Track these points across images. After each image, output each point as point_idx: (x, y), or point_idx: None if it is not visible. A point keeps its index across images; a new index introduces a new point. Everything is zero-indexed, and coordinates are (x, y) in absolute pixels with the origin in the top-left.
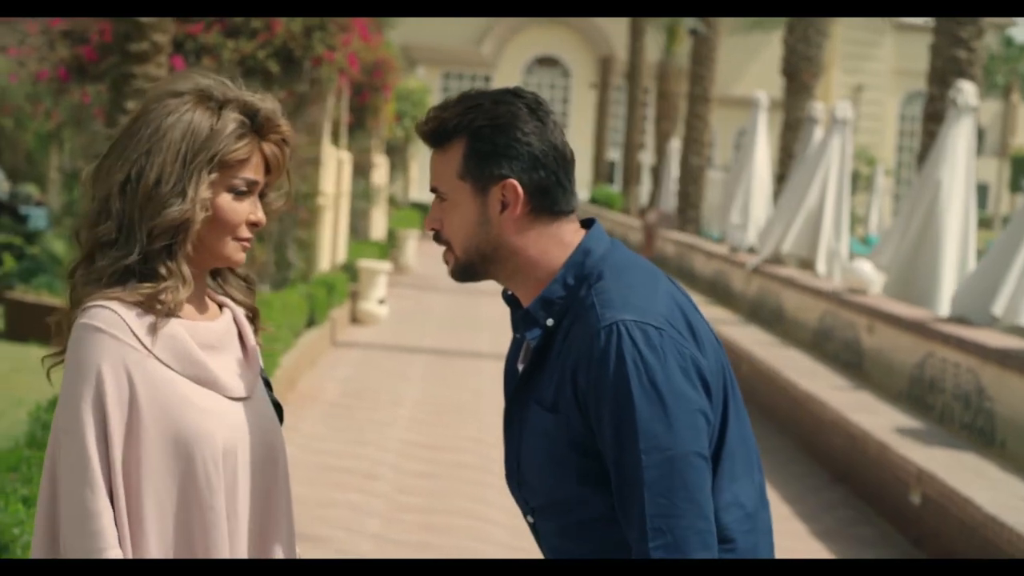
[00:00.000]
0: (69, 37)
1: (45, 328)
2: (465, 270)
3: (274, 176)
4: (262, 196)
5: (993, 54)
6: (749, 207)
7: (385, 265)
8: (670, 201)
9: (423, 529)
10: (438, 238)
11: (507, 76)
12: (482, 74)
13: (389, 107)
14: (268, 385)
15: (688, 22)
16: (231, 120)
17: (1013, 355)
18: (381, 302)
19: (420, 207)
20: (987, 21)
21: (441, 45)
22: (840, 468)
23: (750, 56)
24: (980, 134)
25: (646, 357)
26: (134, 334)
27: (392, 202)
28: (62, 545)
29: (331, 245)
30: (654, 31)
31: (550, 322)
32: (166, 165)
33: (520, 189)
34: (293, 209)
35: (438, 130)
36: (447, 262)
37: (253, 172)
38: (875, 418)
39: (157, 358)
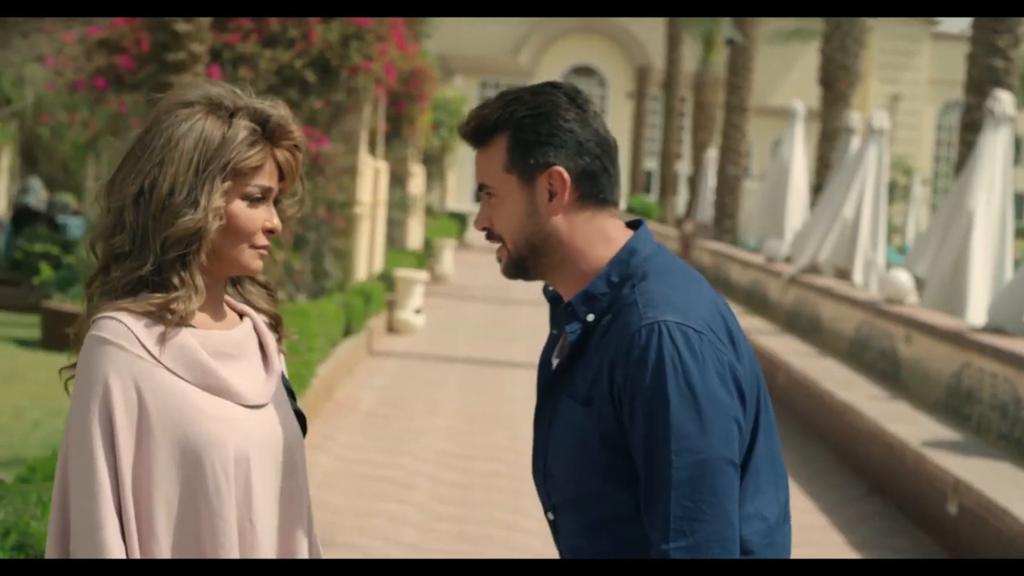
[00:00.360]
0: (106, 47)
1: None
2: (517, 264)
3: (288, 183)
4: (276, 203)
5: None
6: (785, 217)
7: (421, 275)
8: (707, 211)
9: (458, 539)
10: (490, 235)
11: None
12: (519, 83)
13: (426, 116)
14: (292, 394)
15: (725, 31)
16: (242, 128)
17: None
18: (417, 312)
19: (457, 216)
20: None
21: (478, 54)
22: (877, 478)
23: (787, 66)
24: (1017, 144)
25: (685, 359)
26: (142, 344)
27: (429, 211)
28: (71, 554)
29: (368, 254)
30: (691, 41)
31: (591, 317)
32: (179, 175)
33: (566, 175)
34: (330, 218)
35: (480, 127)
36: (500, 259)
37: (267, 179)
38: (912, 428)
39: (166, 367)
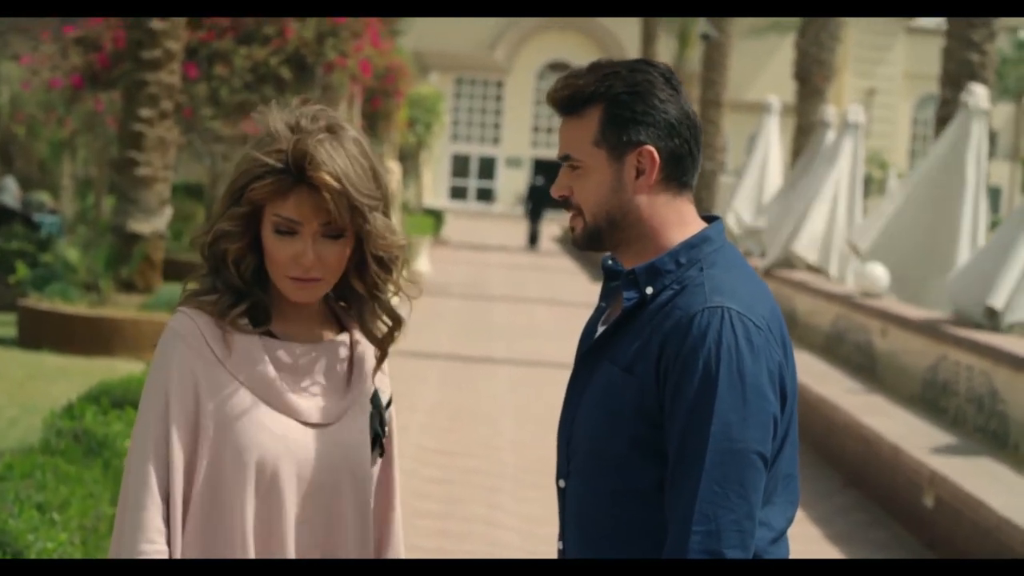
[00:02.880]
0: (82, 45)
1: (58, 335)
2: (592, 236)
3: (333, 220)
4: (336, 237)
5: (1005, 57)
6: (761, 211)
7: None
8: (683, 209)
9: (438, 535)
10: (567, 204)
11: (519, 81)
12: (495, 79)
13: (401, 113)
14: (382, 421)
15: (700, 27)
16: (262, 159)
17: None
18: None
19: (433, 213)
20: (999, 24)
21: (453, 51)
22: (853, 472)
23: (762, 60)
24: (992, 137)
25: (742, 348)
26: (207, 343)
27: (405, 208)
28: (115, 530)
29: None
30: (666, 36)
31: (649, 290)
32: (223, 198)
33: (656, 156)
34: None
35: (574, 96)
36: (573, 229)
37: (292, 211)
38: (888, 421)
39: (227, 369)
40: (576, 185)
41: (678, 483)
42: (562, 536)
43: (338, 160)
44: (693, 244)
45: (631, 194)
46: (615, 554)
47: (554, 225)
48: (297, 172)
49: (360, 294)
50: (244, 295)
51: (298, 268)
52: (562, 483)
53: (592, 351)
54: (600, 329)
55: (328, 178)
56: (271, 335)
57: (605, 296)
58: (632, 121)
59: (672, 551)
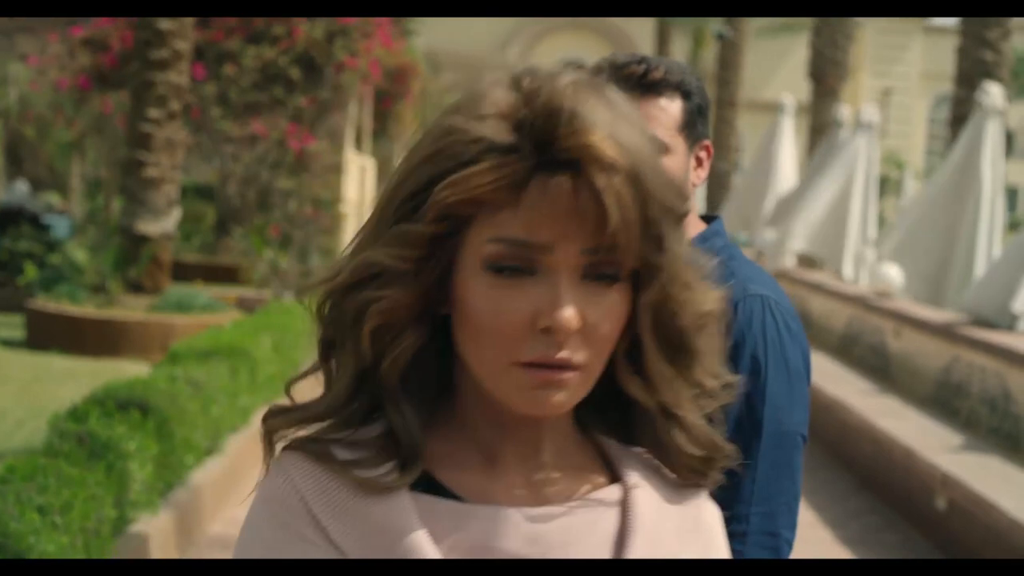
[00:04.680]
0: (90, 45)
1: (66, 337)
2: None
3: (608, 243)
4: (609, 280)
5: (1021, 56)
6: (775, 210)
7: None
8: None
9: None
10: None
11: None
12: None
13: (413, 112)
14: None
15: (714, 26)
16: (475, 127)
17: None
18: None
19: None
20: (1014, 23)
21: (466, 51)
22: (866, 474)
23: (777, 60)
24: (1010, 137)
25: (783, 334)
26: (315, 519)
27: None
28: None
29: None
30: (680, 35)
31: None
32: (372, 217)
33: (711, 150)
34: (316, 216)
35: (660, 80)
36: None
37: (532, 227)
38: (901, 423)
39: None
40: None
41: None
42: None
43: (622, 128)
44: (706, 237)
45: (692, 184)
46: None
47: None
48: (542, 147)
49: (635, 402)
50: (400, 419)
51: (541, 342)
52: None
53: None
54: None
55: (611, 153)
56: (454, 495)
57: None
58: (703, 114)
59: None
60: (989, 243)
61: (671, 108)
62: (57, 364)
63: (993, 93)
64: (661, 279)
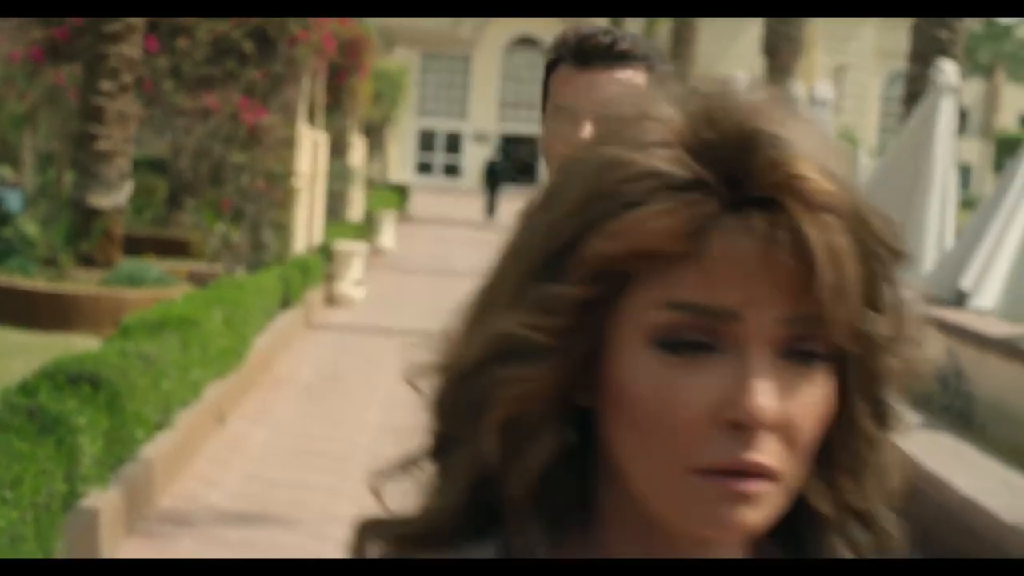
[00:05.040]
0: (42, 18)
1: (17, 311)
2: None
3: (816, 312)
4: (809, 359)
5: (976, 33)
6: None
7: (361, 247)
8: None
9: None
10: None
11: (486, 57)
12: (461, 54)
13: (366, 87)
14: None
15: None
16: (647, 160)
17: (992, 337)
18: (357, 284)
19: (398, 188)
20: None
21: (420, 25)
22: None
23: (731, 36)
24: (963, 114)
25: None
26: None
27: (370, 183)
28: None
29: (307, 227)
30: None
31: None
32: (502, 270)
33: None
34: (268, 190)
35: (628, 52)
36: None
37: (718, 289)
38: None
39: None
40: None
41: None
42: None
43: (833, 159)
44: None
45: None
46: None
47: (519, 199)
48: (734, 182)
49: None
50: (522, 543)
51: (728, 441)
52: None
53: None
54: None
55: (826, 188)
56: None
57: None
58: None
59: None
60: (941, 221)
61: (637, 79)
62: (8, 338)
63: (947, 71)
64: (879, 351)
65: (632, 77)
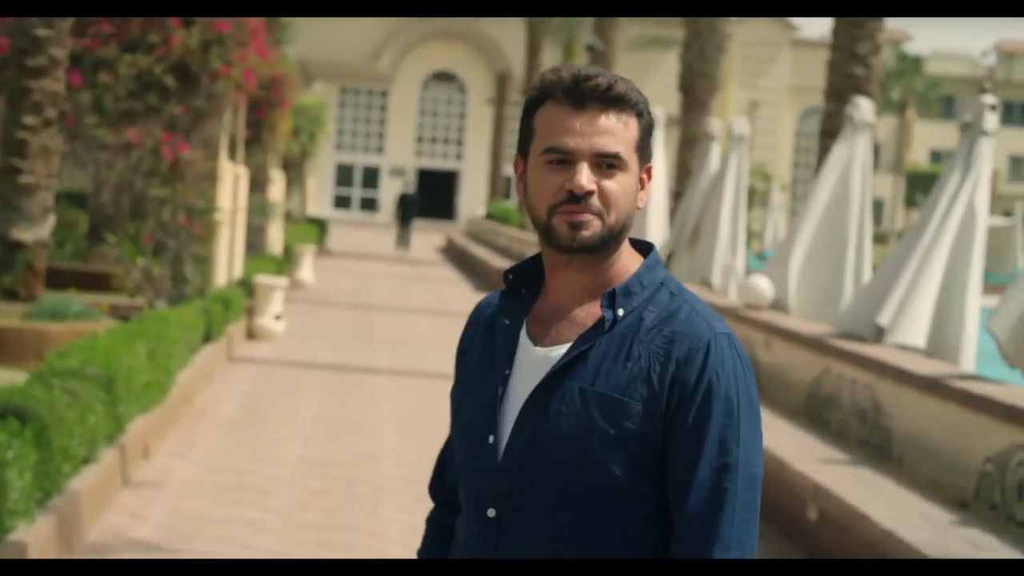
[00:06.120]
0: None
1: None
2: (608, 240)
3: None
4: None
5: (889, 70)
6: (647, 223)
7: (281, 281)
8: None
9: (319, 546)
10: (583, 201)
11: (404, 91)
12: (379, 89)
13: (286, 122)
14: None
15: (584, 38)
16: None
17: (909, 371)
18: (277, 318)
19: (317, 222)
20: (883, 37)
21: (338, 60)
22: None
23: (647, 72)
24: (876, 150)
25: (748, 376)
26: None
27: (288, 217)
28: None
29: (227, 260)
30: (551, 46)
31: (621, 312)
32: None
33: (651, 174)
34: (190, 224)
35: (625, 95)
36: (586, 227)
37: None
38: (772, 434)
39: None
40: (610, 185)
41: (699, 513)
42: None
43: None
44: (651, 266)
45: (636, 205)
46: None
47: (436, 234)
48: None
49: None
50: None
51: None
52: (492, 512)
53: (556, 374)
54: (553, 351)
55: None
56: None
57: (509, 312)
58: (650, 135)
59: None
60: (858, 256)
61: (631, 125)
62: None
63: (863, 107)
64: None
65: (627, 123)
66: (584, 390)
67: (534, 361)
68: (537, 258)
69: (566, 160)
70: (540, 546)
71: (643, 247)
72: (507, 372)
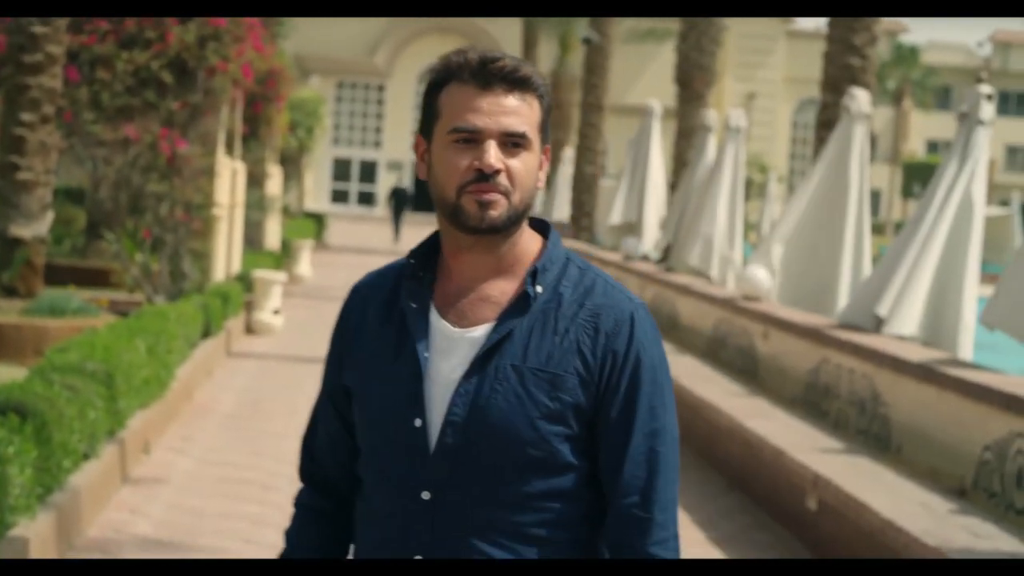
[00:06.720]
0: None
1: None
2: (513, 219)
3: None
4: None
5: (885, 60)
6: (644, 215)
7: (280, 275)
8: (564, 210)
9: None
10: (491, 180)
11: (401, 85)
12: (376, 83)
13: (283, 117)
14: None
15: (581, 31)
16: None
17: (907, 361)
18: (276, 312)
19: (314, 217)
20: (879, 28)
21: (335, 55)
22: (737, 474)
23: (643, 65)
24: (872, 141)
25: (660, 343)
26: None
27: (286, 212)
28: None
29: (226, 256)
30: (547, 41)
31: (539, 288)
32: None
33: (549, 155)
34: (188, 220)
35: (529, 78)
36: (494, 207)
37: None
38: (771, 424)
39: None
40: (515, 164)
41: (647, 475)
42: (424, 547)
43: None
44: (555, 243)
45: (537, 184)
46: (537, 554)
47: (431, 227)
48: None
49: None
50: None
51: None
52: (428, 495)
53: (487, 355)
54: (473, 331)
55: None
56: None
57: (414, 296)
58: (549, 117)
59: (658, 553)
60: (857, 247)
61: (534, 106)
62: None
63: (860, 98)
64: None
65: (532, 103)
66: (517, 367)
67: (454, 343)
68: (434, 240)
69: (473, 139)
70: (478, 521)
71: (538, 224)
72: (426, 355)
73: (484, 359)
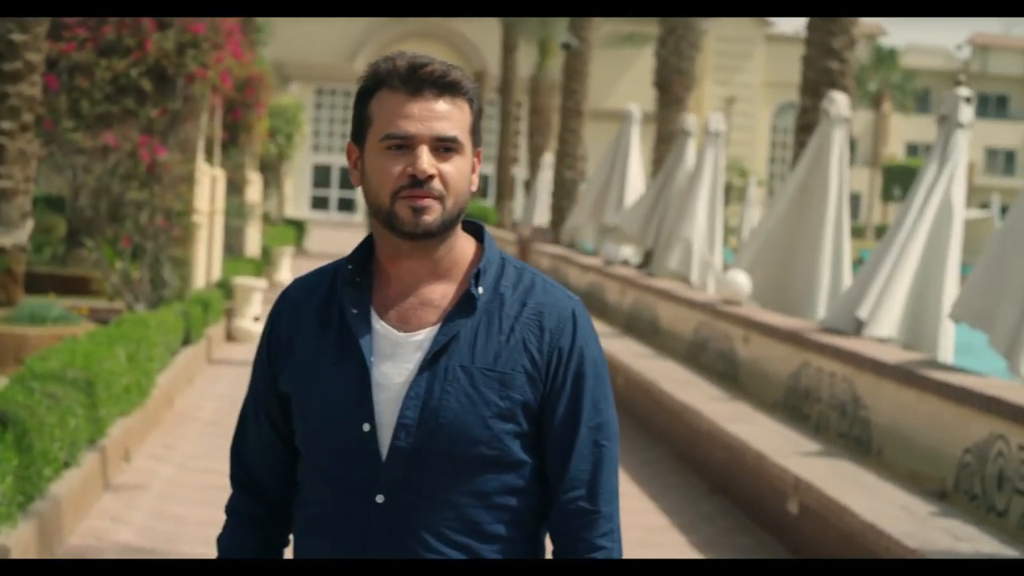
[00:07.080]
0: None
1: None
2: (448, 223)
3: None
4: None
5: (864, 63)
6: (625, 219)
7: (260, 282)
8: (544, 214)
9: None
10: (424, 185)
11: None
12: (354, 90)
13: (262, 124)
14: None
15: (560, 36)
16: None
17: (887, 364)
18: (256, 319)
19: (295, 223)
20: (858, 31)
21: (314, 61)
22: (718, 479)
23: (622, 69)
24: (852, 144)
25: (598, 338)
26: None
27: (266, 219)
28: None
29: (206, 263)
30: (526, 45)
31: (481, 290)
32: None
33: (481, 158)
34: (168, 227)
35: (459, 82)
36: (428, 212)
37: None
38: (752, 428)
39: None
40: (448, 168)
41: (592, 468)
42: (380, 549)
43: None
44: (491, 245)
45: (470, 188)
46: (493, 552)
47: None
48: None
49: None
50: None
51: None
52: (381, 498)
53: (436, 357)
54: (416, 335)
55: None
56: None
57: (354, 302)
58: (480, 121)
59: (606, 545)
60: (837, 251)
61: (465, 110)
62: None
63: (839, 102)
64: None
65: (462, 107)
66: (466, 367)
67: (398, 347)
68: (367, 245)
69: (406, 145)
70: (434, 522)
71: (471, 227)
72: (371, 359)
73: (432, 361)
